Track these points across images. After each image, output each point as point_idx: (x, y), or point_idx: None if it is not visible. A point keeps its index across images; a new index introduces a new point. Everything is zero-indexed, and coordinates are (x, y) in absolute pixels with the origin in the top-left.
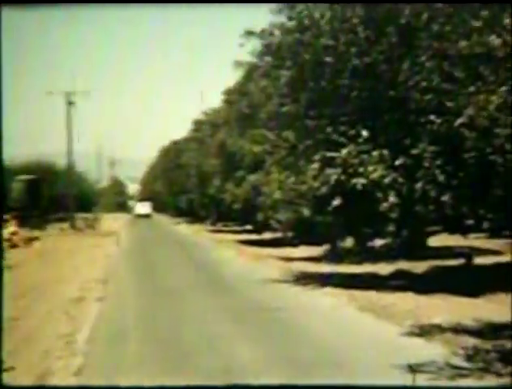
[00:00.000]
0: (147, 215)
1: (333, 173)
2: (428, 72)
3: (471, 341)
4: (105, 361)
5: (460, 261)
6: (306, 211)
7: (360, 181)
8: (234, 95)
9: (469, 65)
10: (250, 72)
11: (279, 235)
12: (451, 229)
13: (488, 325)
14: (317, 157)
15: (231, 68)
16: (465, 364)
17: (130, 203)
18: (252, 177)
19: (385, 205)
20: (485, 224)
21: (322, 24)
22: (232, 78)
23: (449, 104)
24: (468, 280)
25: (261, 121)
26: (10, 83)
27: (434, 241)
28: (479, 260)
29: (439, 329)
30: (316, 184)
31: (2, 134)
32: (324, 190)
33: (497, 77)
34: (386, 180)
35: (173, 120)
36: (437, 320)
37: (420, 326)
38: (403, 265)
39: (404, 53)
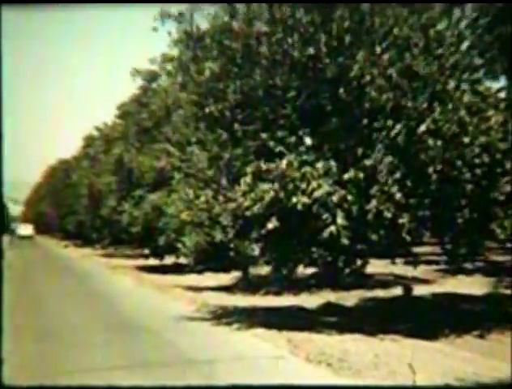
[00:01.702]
0: (29, 237)
1: (269, 189)
2: (385, 66)
3: None
4: None
5: (389, 291)
6: (219, 235)
7: (301, 200)
8: (132, 106)
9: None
10: (150, 81)
11: (180, 260)
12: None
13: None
14: (249, 169)
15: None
16: None
17: (13, 224)
18: (153, 196)
19: (332, 229)
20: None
21: (256, 6)
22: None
23: (410, 104)
24: (412, 316)
25: (163, 134)
26: None
27: None
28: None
29: None
30: (246, 202)
31: (2, 134)
32: (256, 209)
33: None
34: (334, 198)
35: (61, 139)
36: (417, 379)
37: None
38: (329, 296)
39: (356, 42)
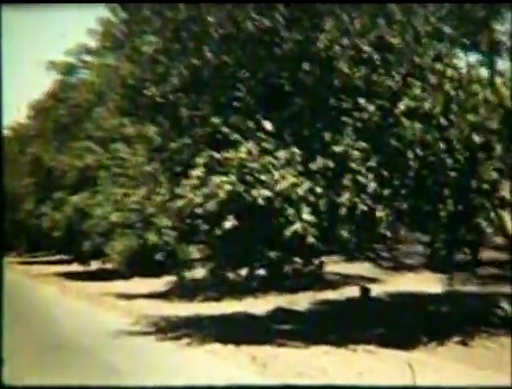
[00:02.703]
0: None
1: (224, 182)
2: (354, 37)
3: None
4: None
5: (340, 292)
6: (153, 237)
7: (262, 194)
8: (48, 102)
9: None
10: (68, 73)
11: (106, 266)
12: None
13: None
14: (199, 160)
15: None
16: None
17: None
18: (76, 198)
19: (297, 226)
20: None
21: None
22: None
23: (388, 82)
24: (376, 321)
25: (84, 130)
26: None
27: None
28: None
29: None
30: (197, 198)
31: (2, 133)
32: (210, 206)
33: None
34: (299, 190)
35: None
36: None
37: None
38: (277, 300)
39: (321, 10)
